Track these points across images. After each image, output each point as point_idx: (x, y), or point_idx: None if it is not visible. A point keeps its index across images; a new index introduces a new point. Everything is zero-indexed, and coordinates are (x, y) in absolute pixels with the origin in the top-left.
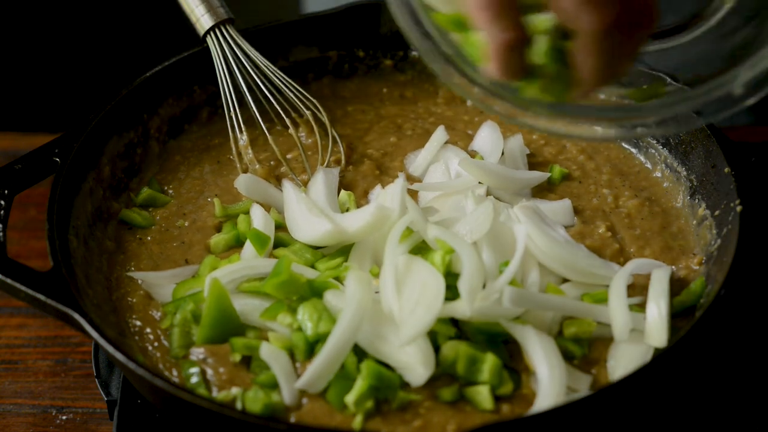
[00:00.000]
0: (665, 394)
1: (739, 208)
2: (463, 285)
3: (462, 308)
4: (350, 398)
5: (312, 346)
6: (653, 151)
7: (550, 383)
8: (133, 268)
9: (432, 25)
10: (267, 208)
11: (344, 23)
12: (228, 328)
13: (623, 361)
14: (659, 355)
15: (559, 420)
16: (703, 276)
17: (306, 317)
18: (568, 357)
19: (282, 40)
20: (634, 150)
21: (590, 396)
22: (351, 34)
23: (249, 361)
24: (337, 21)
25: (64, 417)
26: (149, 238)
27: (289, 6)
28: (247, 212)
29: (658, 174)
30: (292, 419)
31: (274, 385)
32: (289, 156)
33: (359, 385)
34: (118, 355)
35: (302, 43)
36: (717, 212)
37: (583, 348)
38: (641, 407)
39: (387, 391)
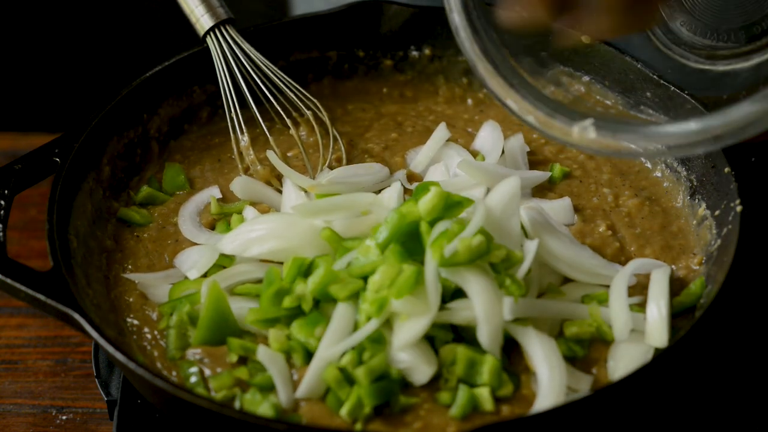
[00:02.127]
0: (665, 394)
1: (739, 209)
2: (481, 334)
3: (481, 337)
4: (344, 410)
5: (311, 354)
6: (647, 173)
7: (550, 384)
8: (130, 267)
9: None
10: (266, 209)
11: (344, 23)
12: (225, 330)
13: (623, 361)
14: (659, 355)
15: (559, 420)
16: (703, 276)
17: (302, 334)
18: (569, 358)
19: (282, 40)
20: None
21: (590, 396)
22: (351, 33)
23: (245, 362)
24: (336, 21)
25: (64, 417)
26: (146, 235)
27: (279, 7)
28: (241, 212)
29: (658, 174)
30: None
31: (270, 387)
32: (289, 154)
33: (352, 397)
34: (118, 355)
35: (302, 43)
36: (717, 212)
37: (584, 348)
38: (641, 407)
39: (386, 397)
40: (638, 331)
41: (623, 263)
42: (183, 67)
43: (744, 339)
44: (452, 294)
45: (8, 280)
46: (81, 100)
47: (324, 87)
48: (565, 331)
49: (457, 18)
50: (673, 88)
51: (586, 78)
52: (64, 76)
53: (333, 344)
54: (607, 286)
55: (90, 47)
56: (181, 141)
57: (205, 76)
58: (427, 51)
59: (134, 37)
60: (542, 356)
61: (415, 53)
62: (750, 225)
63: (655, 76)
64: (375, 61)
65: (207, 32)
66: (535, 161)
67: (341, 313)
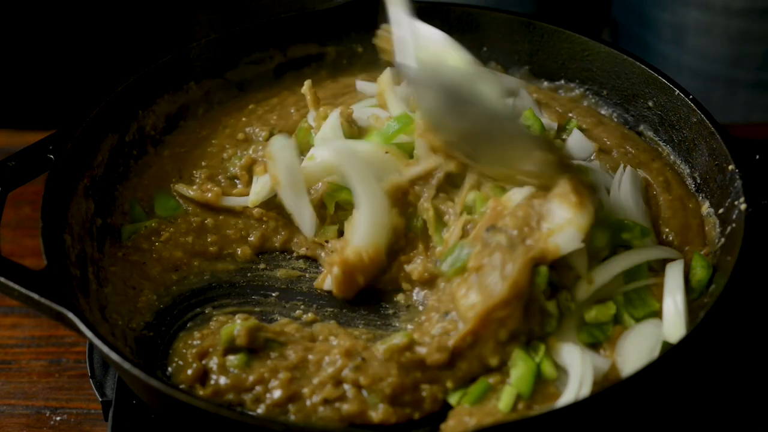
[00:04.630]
0: (670, 392)
1: (743, 207)
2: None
3: None
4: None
5: None
6: (656, 148)
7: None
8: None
9: None
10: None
11: (342, 19)
12: None
13: (631, 358)
14: (664, 354)
15: (561, 420)
16: (706, 269)
17: None
18: (593, 344)
19: (280, 35)
20: None
21: (591, 397)
22: (349, 29)
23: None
24: (335, 16)
25: (58, 418)
26: (153, 225)
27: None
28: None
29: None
30: None
31: None
32: None
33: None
34: (113, 355)
35: (300, 38)
36: (721, 210)
37: (605, 332)
38: (645, 405)
39: None
40: (646, 328)
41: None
42: (179, 64)
43: (747, 340)
44: None
45: (2, 279)
46: (76, 96)
47: (323, 78)
48: (585, 316)
49: None
50: (677, 92)
51: (579, 90)
52: (59, 73)
53: None
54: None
55: (85, 43)
56: (177, 136)
57: (201, 72)
58: None
59: (130, 33)
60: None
61: None
62: (755, 223)
63: (659, 77)
64: (374, 57)
65: None
66: None
67: None
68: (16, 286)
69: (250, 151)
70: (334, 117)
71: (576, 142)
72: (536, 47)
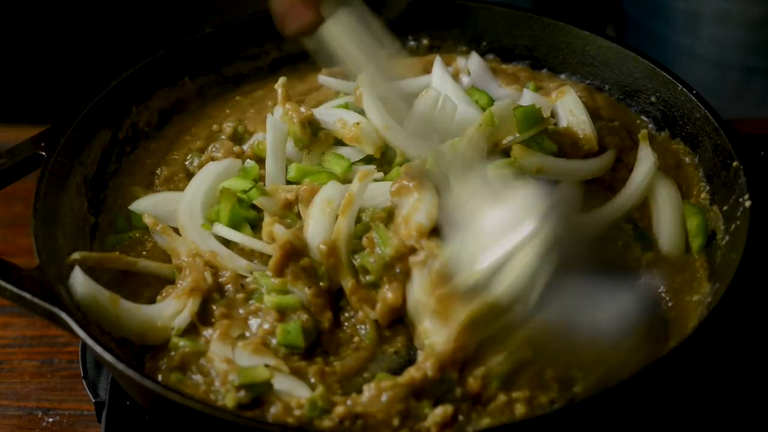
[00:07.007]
0: (673, 392)
1: (748, 204)
2: None
3: None
4: None
5: None
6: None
7: None
8: None
9: None
10: None
11: None
12: None
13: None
14: (668, 353)
15: (561, 420)
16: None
17: None
18: None
19: (276, 30)
20: None
21: (591, 397)
22: None
23: None
24: None
25: (50, 419)
26: (137, 235)
27: None
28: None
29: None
30: None
31: None
32: None
33: None
34: (107, 356)
35: None
36: (725, 207)
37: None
38: (647, 405)
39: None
40: None
41: None
42: (174, 58)
43: (752, 339)
44: None
45: None
46: (69, 91)
47: (318, 71)
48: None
49: None
50: (681, 87)
51: (581, 85)
52: (52, 67)
53: None
54: None
55: (79, 37)
56: (171, 132)
57: (196, 67)
58: (425, 41)
59: (125, 27)
60: None
61: (413, 43)
62: (759, 220)
63: (662, 72)
64: None
65: None
66: None
67: None
68: (8, 286)
69: (209, 150)
70: (277, 125)
71: (526, 100)
72: (536, 41)
